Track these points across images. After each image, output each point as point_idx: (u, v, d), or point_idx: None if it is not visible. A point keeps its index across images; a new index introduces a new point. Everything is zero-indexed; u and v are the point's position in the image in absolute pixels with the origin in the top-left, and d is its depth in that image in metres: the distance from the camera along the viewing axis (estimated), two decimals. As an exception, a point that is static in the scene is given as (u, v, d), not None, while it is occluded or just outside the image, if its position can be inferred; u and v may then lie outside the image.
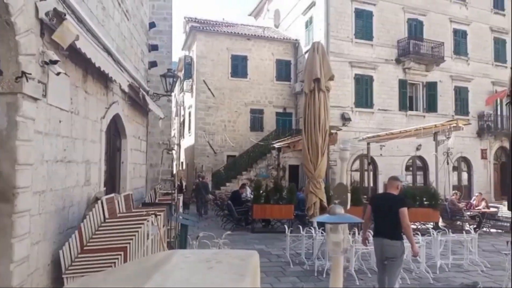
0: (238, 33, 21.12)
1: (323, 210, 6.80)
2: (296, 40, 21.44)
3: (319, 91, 6.81)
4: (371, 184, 17.61)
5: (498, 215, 11.98)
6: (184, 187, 14.54)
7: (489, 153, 21.65)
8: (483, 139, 21.32)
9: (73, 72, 4.58)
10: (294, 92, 20.98)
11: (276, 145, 17.41)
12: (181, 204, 9.34)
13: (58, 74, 3.71)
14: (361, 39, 18.74)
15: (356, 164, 18.94)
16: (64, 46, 3.55)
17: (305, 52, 19.81)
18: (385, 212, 4.53)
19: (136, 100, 7.04)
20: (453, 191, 14.36)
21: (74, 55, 4.29)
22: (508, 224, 11.58)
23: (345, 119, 18.02)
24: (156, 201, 7.95)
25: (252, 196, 12.13)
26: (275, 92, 21.25)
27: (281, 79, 21.41)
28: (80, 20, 4.60)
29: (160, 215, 4.91)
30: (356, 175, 18.90)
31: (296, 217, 11.17)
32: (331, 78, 7.12)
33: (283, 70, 21.48)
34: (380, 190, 18.48)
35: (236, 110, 20.53)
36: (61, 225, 4.38)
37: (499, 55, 22.10)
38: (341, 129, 16.92)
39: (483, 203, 12.61)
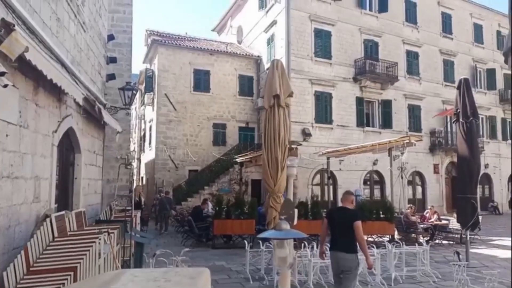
0: (201, 47, 21.16)
1: (282, 225, 6.84)
2: (258, 56, 21.80)
3: (279, 107, 6.93)
4: (331, 198, 18.00)
5: (449, 227, 12.57)
6: (143, 203, 14.13)
7: (441, 167, 22.83)
8: (435, 155, 22.48)
9: (23, 84, 4.38)
10: (256, 107, 21.22)
11: (239, 160, 17.44)
12: (138, 221, 9.06)
13: (5, 86, 3.54)
14: (321, 58, 19.36)
15: (317, 179, 19.31)
16: (12, 58, 3.41)
17: (267, 69, 20.08)
18: (340, 226, 4.64)
19: (92, 113, 6.83)
20: (408, 205, 14.93)
21: (25, 66, 4.12)
22: (458, 236, 12.20)
23: (306, 134, 18.40)
24: (112, 218, 7.67)
25: (213, 212, 12.00)
26: (237, 107, 21.39)
27: (244, 94, 21.61)
28: (32, 31, 4.44)
29: (113, 232, 4.74)
30: (317, 189, 19.25)
31: (257, 232, 11.15)
32: (291, 94, 7.27)
33: (246, 86, 21.71)
34: (340, 204, 18.90)
35: (199, 124, 20.41)
36: (5, 245, 4.11)
37: (448, 76, 23.60)
38: (301, 144, 17.29)
39: (435, 216, 13.21)
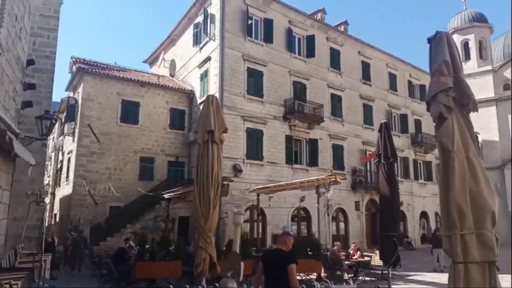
0: (131, 78, 20.50)
1: (212, 266, 6.50)
2: (191, 90, 21.70)
3: (213, 142, 6.78)
4: (260, 235, 17.89)
5: (371, 263, 13.07)
6: (56, 244, 12.68)
7: (362, 205, 24.10)
8: (356, 192, 23.73)
9: None
10: (187, 142, 20.82)
11: (167, 196, 16.69)
12: (48, 266, 8.00)
13: None
14: (253, 96, 19.83)
15: (246, 215, 19.12)
16: None
17: (200, 103, 20.10)
18: (274, 269, 4.47)
19: (2, 143, 6.04)
20: (335, 242, 15.34)
21: None
22: (379, 272, 12.71)
23: (237, 170, 18.34)
24: (16, 264, 6.65)
25: (135, 252, 11.13)
26: (167, 140, 20.78)
27: (175, 128, 21.13)
28: None
29: (16, 284, 4.04)
30: (246, 227, 19.01)
31: (184, 274, 10.53)
32: (225, 130, 7.19)
33: (177, 119, 21.30)
34: (269, 241, 18.87)
35: (124, 158, 19.34)
36: None
37: (367, 119, 25.55)
38: (233, 180, 17.14)
39: (359, 253, 13.69)
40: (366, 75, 26.31)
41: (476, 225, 3.43)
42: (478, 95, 30.51)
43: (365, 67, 26.43)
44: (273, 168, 19.87)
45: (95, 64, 21.20)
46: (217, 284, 8.07)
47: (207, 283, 6.80)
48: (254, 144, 19.52)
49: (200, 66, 21.01)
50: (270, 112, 20.37)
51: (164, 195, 16.85)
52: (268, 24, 21.08)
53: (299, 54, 22.57)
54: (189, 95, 21.74)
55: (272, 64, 20.92)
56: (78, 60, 20.75)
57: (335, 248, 13.39)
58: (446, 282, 3.60)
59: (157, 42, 26.57)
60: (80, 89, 19.43)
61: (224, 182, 12.80)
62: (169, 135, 20.88)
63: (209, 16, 20.27)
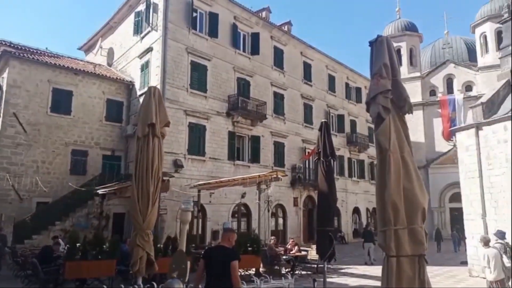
0: (63, 65, 19.09)
1: (150, 265, 6.26)
2: (130, 81, 20.76)
3: (154, 136, 6.50)
4: (200, 232, 17.68)
5: (308, 258, 13.50)
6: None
7: (300, 201, 24.82)
8: (295, 189, 24.39)
9: None
10: (125, 135, 19.89)
11: (101, 191, 15.81)
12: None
13: None
14: (196, 90, 19.48)
15: (186, 212, 18.79)
16: None
17: (140, 95, 19.32)
18: (216, 266, 4.40)
19: None
20: (271, 237, 15.63)
21: None
22: (315, 266, 13.16)
23: (177, 165, 17.92)
24: None
25: (64, 251, 10.42)
26: (103, 133, 19.71)
27: (112, 120, 20.09)
28: None
29: None
30: (186, 223, 18.69)
31: (118, 273, 10.06)
32: (167, 124, 6.93)
33: (114, 111, 20.27)
34: (208, 237, 18.72)
35: (54, 150, 18.01)
36: None
37: (307, 118, 26.34)
38: (173, 176, 16.70)
39: (296, 248, 14.07)
40: (307, 76, 27.09)
41: (408, 221, 3.63)
42: (407, 99, 32.84)
43: (307, 67, 27.20)
44: (215, 164, 19.72)
45: (23, 48, 19.45)
46: (154, 283, 7.81)
47: (143, 282, 6.54)
48: (196, 140, 19.21)
49: (140, 56, 20.17)
50: (213, 107, 20.16)
51: (98, 191, 15.94)
52: (214, 18, 20.83)
53: (244, 50, 22.60)
54: (128, 86, 20.79)
55: (217, 59, 20.71)
56: (4, 43, 18.89)
57: (271, 242, 13.62)
58: (376, 274, 3.78)
59: (94, 28, 25.00)
60: (5, 75, 17.69)
61: (165, 178, 12.41)
62: (104, 128, 19.80)
63: (151, 5, 19.52)
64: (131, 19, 21.74)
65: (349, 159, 30.26)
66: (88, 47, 26.42)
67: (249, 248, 12.05)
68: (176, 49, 18.87)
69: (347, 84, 31.56)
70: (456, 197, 25.67)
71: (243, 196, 20.24)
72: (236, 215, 21.01)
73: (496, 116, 13.32)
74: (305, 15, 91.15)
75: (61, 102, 18.56)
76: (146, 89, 7.63)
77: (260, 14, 25.27)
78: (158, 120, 6.42)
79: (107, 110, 20.01)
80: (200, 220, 17.86)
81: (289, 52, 25.81)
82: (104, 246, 10.05)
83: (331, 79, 29.68)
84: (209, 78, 20.25)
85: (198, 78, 19.75)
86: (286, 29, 27.02)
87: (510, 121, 12.11)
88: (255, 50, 22.89)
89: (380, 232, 3.72)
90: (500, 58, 18.22)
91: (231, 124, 20.89)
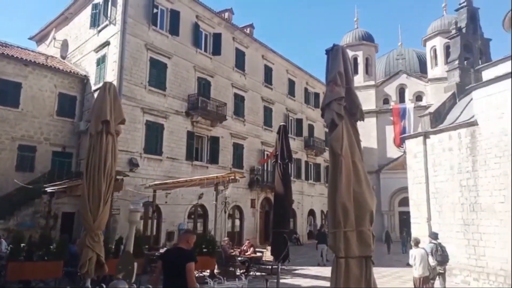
0: (12, 55, 17.97)
1: (100, 266, 6.05)
2: (85, 75, 19.93)
3: (107, 134, 6.29)
4: (154, 233, 17.30)
5: (263, 259, 13.64)
6: None
7: (257, 202, 25.01)
8: (252, 190, 24.53)
9: None
10: (77, 131, 19.06)
11: (49, 189, 15.02)
12: None
13: None
14: (155, 88, 19.07)
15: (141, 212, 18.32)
16: None
17: (95, 90, 18.61)
18: (173, 268, 4.35)
19: None
20: (224, 238, 15.62)
21: None
22: (270, 267, 13.32)
23: (133, 164, 17.43)
24: None
25: (7, 251, 9.82)
26: (54, 128, 18.76)
27: (64, 115, 19.16)
28: None
29: None
30: (139, 224, 18.19)
31: (65, 274, 9.63)
32: (122, 122, 6.72)
33: (67, 106, 19.35)
34: (163, 238, 18.36)
35: (-2, 145, 16.90)
36: None
37: (267, 120, 26.62)
38: (128, 175, 16.25)
39: (252, 249, 14.16)
40: (268, 79, 27.38)
41: (357, 223, 3.78)
42: (363, 106, 34.02)
43: (268, 71, 27.50)
44: (172, 164, 19.39)
45: (-34, 33, 18.08)
46: (103, 285, 7.56)
47: (92, 284, 6.32)
48: (154, 138, 18.78)
49: (97, 50, 19.43)
50: (172, 106, 19.83)
51: (46, 189, 15.15)
52: (175, 15, 20.52)
53: (205, 50, 22.44)
54: (82, 80, 19.95)
55: (177, 57, 20.41)
56: None
57: (224, 243, 13.64)
58: (329, 275, 3.91)
59: (48, 18, 23.75)
60: None
61: (118, 177, 12.05)
62: (56, 123, 18.86)
63: (110, -2, 18.89)
64: (88, 11, 20.89)
65: (306, 162, 30.92)
66: (40, 38, 25.06)
67: (204, 250, 11.98)
68: (135, 45, 18.38)
69: (306, 89, 32.27)
70: (405, 201, 26.97)
71: (200, 197, 20.03)
72: (193, 216, 20.73)
73: (442, 126, 14.19)
74: (267, 19, 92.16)
75: (8, 94, 17.45)
76: (101, 84, 7.38)
77: (223, 15, 25.22)
78: (112, 117, 6.23)
79: (59, 104, 19.07)
80: (155, 221, 17.48)
81: (251, 54, 25.97)
82: (51, 247, 9.60)
83: (291, 84, 30.21)
84: (169, 76, 19.90)
85: (157, 75, 19.35)
86: (248, 31, 27.16)
87: (455, 131, 12.95)
88: (216, 51, 22.81)
89: (330, 234, 3.86)
90: (447, 71, 19.43)
91: (190, 124, 20.64)
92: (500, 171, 11.83)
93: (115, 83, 17.08)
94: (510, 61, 12.37)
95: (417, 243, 8.92)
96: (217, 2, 43.92)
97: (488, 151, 12.16)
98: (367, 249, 3.74)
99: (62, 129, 19.00)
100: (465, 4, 19.34)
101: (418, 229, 14.04)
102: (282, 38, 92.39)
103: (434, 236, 10.13)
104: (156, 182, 16.34)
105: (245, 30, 26.76)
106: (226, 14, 25.89)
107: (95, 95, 17.00)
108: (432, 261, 8.90)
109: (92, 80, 19.46)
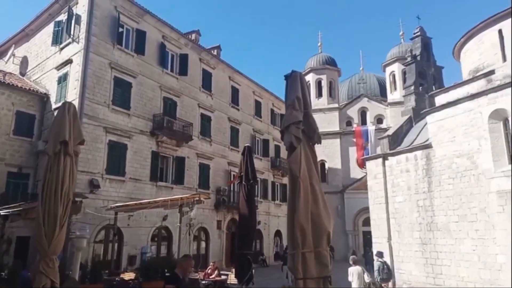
0: (-34, 71, 17.20)
1: (54, 294, 5.77)
2: (45, 93, 19.31)
3: (66, 154, 6.12)
4: (115, 257, 16.68)
5: (228, 282, 13.44)
6: None
7: (223, 224, 24.76)
8: (219, 211, 24.30)
9: None
10: (35, 151, 18.29)
11: (2, 212, 14.18)
12: None
13: None
14: (119, 107, 18.76)
15: (101, 235, 17.66)
16: None
17: (55, 109, 18.05)
18: None
19: None
20: (180, 262, 15.14)
21: None
22: (234, 289, 13.13)
23: (93, 186, 16.86)
24: None
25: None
26: (10, 147, 17.89)
27: (21, 134, 18.35)
28: None
29: None
30: (100, 248, 17.51)
31: (16, 303, 9.06)
32: (81, 142, 6.58)
33: (25, 124, 18.57)
34: (124, 262, 17.70)
35: None
36: None
37: (234, 141, 26.73)
38: (87, 197, 15.67)
39: (216, 272, 13.94)
40: (235, 100, 27.65)
41: (315, 244, 3.89)
42: (327, 128, 35.09)
43: (234, 92, 27.80)
44: (135, 184, 18.93)
45: None
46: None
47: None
48: (116, 159, 18.32)
49: (58, 68, 18.95)
50: (137, 125, 19.52)
51: (0, 211, 14.29)
52: (141, 35, 20.48)
53: (172, 70, 22.44)
54: (42, 99, 19.30)
55: (143, 77, 20.27)
56: None
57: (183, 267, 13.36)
58: (292, 297, 3.95)
59: (7, 34, 23.00)
60: None
61: (77, 199, 11.59)
62: (12, 142, 18.02)
63: (74, 16, 18.63)
64: (50, 28, 20.44)
65: (273, 183, 31.10)
66: (-2, 53, 24.15)
67: (167, 274, 11.67)
68: (98, 63, 18.11)
69: (272, 110, 32.81)
70: (368, 221, 27.58)
71: (164, 219, 19.62)
72: (156, 239, 20.24)
73: (400, 148, 14.84)
74: (235, 41, 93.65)
75: (-40, 111, 16.58)
76: (62, 102, 7.17)
77: (190, 36, 25.45)
78: (71, 137, 6.09)
79: (17, 123, 18.28)
80: (116, 245, 16.88)
81: (218, 75, 26.22)
82: (3, 273, 9.05)
83: (258, 105, 30.64)
84: (134, 96, 19.67)
85: (122, 94, 19.07)
86: (215, 53, 27.49)
87: (411, 153, 13.57)
88: (183, 71, 22.86)
89: (289, 255, 3.93)
90: (404, 96, 20.47)
91: (155, 144, 20.35)
92: (453, 191, 12.46)
93: (76, 101, 16.69)
94: (461, 87, 13.26)
95: (355, 261, 9.95)
96: (184, 23, 44.24)
97: (442, 172, 12.81)
98: (325, 269, 3.84)
99: (19, 149, 18.16)
100: (419, 33, 20.65)
101: (379, 249, 14.38)
102: (249, 60, 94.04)
103: (379, 255, 11.01)
104: (118, 204, 15.85)
105: (212, 51, 27.07)
106: (193, 35, 26.14)
107: (56, 113, 16.49)
108: (367, 278, 9.86)
109: (52, 98, 18.88)
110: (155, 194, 19.17)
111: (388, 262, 10.41)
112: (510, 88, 11.41)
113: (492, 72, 12.48)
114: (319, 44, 41.59)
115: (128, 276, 13.45)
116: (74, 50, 18.27)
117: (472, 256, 11.73)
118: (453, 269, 12.13)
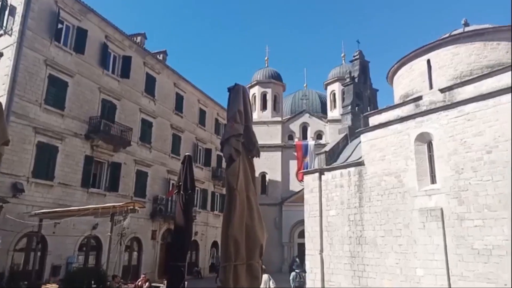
0: None
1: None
2: (-34, 86, 17.58)
3: (-15, 156, 5.62)
4: (37, 267, 15.45)
5: (159, 294, 13.03)
6: None
7: (158, 234, 24.01)
8: (155, 221, 23.55)
9: None
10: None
11: None
12: None
13: None
14: (52, 107, 17.61)
15: (23, 243, 16.26)
16: None
17: (-23, 104, 16.45)
18: None
19: None
20: (113, 274, 14.48)
21: None
22: (166, 302, 12.74)
23: (17, 189, 15.53)
24: None
25: None
26: None
27: None
28: None
29: None
30: (20, 257, 16.09)
31: None
32: (6, 143, 6.06)
33: None
34: (47, 273, 16.44)
35: None
36: None
37: (175, 148, 26.21)
38: (9, 202, 14.46)
39: (147, 284, 13.47)
40: (179, 107, 27.24)
41: (247, 257, 3.93)
42: (269, 140, 35.76)
43: (179, 99, 27.39)
44: (64, 190, 17.76)
45: None
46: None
47: None
48: (45, 162, 17.09)
49: (-15, 60, 17.40)
50: (70, 127, 18.42)
51: None
52: (82, 33, 19.52)
53: (113, 72, 21.60)
54: (-37, 92, 17.54)
55: (81, 77, 19.26)
56: None
57: (114, 280, 12.85)
58: (222, 309, 3.92)
59: None
60: None
61: (-4, 203, 10.64)
62: None
63: (8, 7, 17.32)
64: (-21, 16, 18.76)
65: (213, 193, 30.88)
66: None
67: (94, 286, 11.05)
68: (32, 59, 16.92)
69: (216, 120, 32.77)
70: (303, 233, 28.38)
71: (94, 228, 18.57)
72: (85, 248, 19.07)
73: (335, 164, 15.55)
74: (182, 49, 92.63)
75: None
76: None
77: (135, 38, 24.74)
78: (-7, 137, 5.61)
79: None
80: (39, 254, 15.64)
81: (162, 81, 25.69)
82: None
83: (202, 113, 30.44)
84: (70, 96, 18.59)
85: (56, 94, 17.93)
86: (161, 57, 26.96)
87: (345, 169, 14.26)
88: (125, 74, 22.10)
89: (221, 268, 3.92)
90: (341, 114, 21.56)
91: (89, 148, 19.31)
92: (381, 207, 13.29)
93: (4, 98, 15.45)
94: (392, 110, 14.27)
95: (263, 270, 10.55)
96: (130, 25, 42.96)
97: (372, 189, 13.63)
98: (255, 282, 3.89)
99: None
100: (358, 57, 21.98)
101: (311, 261, 14.84)
102: (195, 68, 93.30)
103: (295, 266, 11.99)
104: (43, 210, 14.77)
105: (158, 56, 26.52)
106: (139, 38, 25.47)
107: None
108: (272, 284, 10.58)
109: (-25, 92, 17.22)
110: (86, 201, 18.14)
111: (319, 273, 10.85)
112: (435, 113, 12.53)
113: (420, 98, 13.62)
114: (266, 58, 42.57)
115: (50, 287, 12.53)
116: (6, 43, 16.91)
117: (395, 269, 12.54)
118: (378, 282, 12.85)
